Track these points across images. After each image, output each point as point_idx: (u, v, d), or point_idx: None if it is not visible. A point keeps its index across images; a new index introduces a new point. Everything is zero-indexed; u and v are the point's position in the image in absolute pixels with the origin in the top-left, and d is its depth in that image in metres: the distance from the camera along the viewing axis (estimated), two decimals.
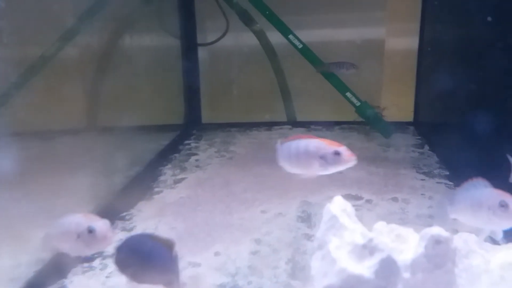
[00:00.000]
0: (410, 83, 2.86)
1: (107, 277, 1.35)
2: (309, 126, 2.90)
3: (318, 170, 1.09)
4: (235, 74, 3.06)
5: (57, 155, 1.49)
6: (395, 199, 1.83)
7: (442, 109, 2.38)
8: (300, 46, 2.60)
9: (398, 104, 2.79)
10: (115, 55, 1.94)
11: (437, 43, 2.53)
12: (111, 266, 1.38)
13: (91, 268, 1.39)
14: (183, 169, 2.25)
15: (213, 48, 2.98)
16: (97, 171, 1.74)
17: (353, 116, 2.65)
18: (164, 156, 2.41)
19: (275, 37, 2.76)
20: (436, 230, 0.88)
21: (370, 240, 0.88)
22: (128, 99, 2.05)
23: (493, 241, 1.08)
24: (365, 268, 0.86)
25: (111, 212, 1.66)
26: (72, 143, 1.59)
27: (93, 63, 1.80)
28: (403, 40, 2.91)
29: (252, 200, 1.85)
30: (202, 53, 3.05)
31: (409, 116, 2.91)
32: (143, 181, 2.06)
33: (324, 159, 1.06)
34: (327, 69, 2.56)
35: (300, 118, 3.00)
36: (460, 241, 0.99)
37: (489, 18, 1.68)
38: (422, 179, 2.03)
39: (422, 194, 1.87)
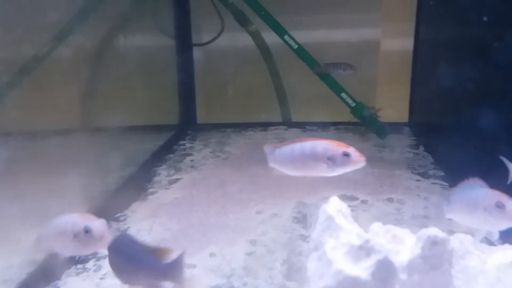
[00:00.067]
0: (405, 84, 2.86)
1: (101, 278, 1.33)
2: (304, 127, 2.90)
3: (325, 172, 1.06)
4: (230, 75, 3.05)
5: (50, 156, 1.47)
6: (390, 200, 1.83)
7: (437, 110, 2.39)
8: (296, 46, 2.59)
9: (393, 104, 2.79)
10: (109, 54, 1.92)
11: (432, 43, 2.54)
12: (105, 267, 1.37)
13: (85, 270, 1.38)
14: (178, 170, 2.24)
15: (208, 48, 2.97)
16: (91, 172, 1.73)
17: (348, 117, 2.65)
18: (159, 156, 2.40)
19: (270, 37, 2.75)
20: (433, 231, 0.88)
21: (367, 241, 0.87)
22: (122, 99, 2.04)
23: (488, 242, 1.08)
24: (362, 270, 0.85)
25: (105, 213, 1.65)
26: (65, 143, 1.57)
27: (86, 62, 1.79)
28: (398, 41, 2.91)
29: (247, 201, 1.85)
30: (197, 53, 3.04)
31: (404, 117, 2.91)
32: (137, 182, 2.05)
33: (332, 160, 1.04)
34: (323, 69, 2.56)
35: (295, 118, 3.00)
36: (456, 242, 0.99)
37: (484, 18, 1.68)
38: (417, 180, 2.03)
39: (417, 195, 1.87)
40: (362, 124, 2.65)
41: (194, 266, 1.38)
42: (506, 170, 1.31)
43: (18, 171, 1.27)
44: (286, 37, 2.59)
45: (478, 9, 1.78)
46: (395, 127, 2.78)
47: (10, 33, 1.28)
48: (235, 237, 1.56)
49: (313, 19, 2.89)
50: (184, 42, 2.96)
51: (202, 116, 3.10)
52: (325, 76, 2.60)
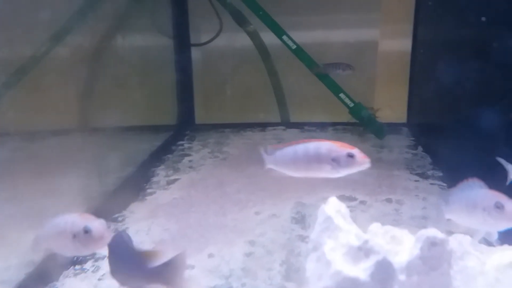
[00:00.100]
0: (403, 84, 2.86)
1: (99, 279, 1.33)
2: (302, 127, 2.89)
3: (329, 173, 1.05)
4: (228, 75, 3.05)
5: (48, 156, 1.47)
6: (389, 200, 1.83)
7: (436, 110, 2.39)
8: (294, 47, 2.59)
9: (391, 105, 2.79)
10: (107, 55, 1.92)
11: (430, 44, 2.54)
12: (104, 268, 1.37)
13: (83, 271, 1.38)
14: (176, 170, 2.23)
15: (207, 48, 2.97)
16: (89, 172, 1.72)
17: (346, 117, 2.65)
18: (157, 156, 2.39)
19: (268, 37, 2.75)
20: (432, 232, 0.88)
21: (366, 242, 0.87)
22: (120, 99, 2.04)
23: (487, 242, 1.08)
24: (361, 271, 0.85)
25: (103, 213, 1.64)
26: (63, 143, 1.57)
27: (84, 63, 1.78)
28: (396, 41, 2.91)
29: (245, 201, 1.84)
30: (195, 53, 3.03)
31: (402, 117, 2.91)
32: (135, 182, 2.04)
33: (336, 161, 1.03)
34: (321, 70, 2.56)
35: (294, 119, 3.00)
36: (455, 242, 0.99)
37: (483, 19, 1.68)
38: (415, 180, 2.03)
39: (416, 195, 1.87)
40: (360, 125, 2.65)
41: (192, 267, 1.38)
42: (505, 170, 1.31)
43: (16, 172, 1.27)
44: (284, 37, 2.59)
45: (476, 9, 1.78)
46: (394, 127, 2.78)
47: (7, 32, 1.28)
48: (234, 238, 1.55)
49: (312, 19, 2.89)
50: (182, 42, 2.95)
51: (200, 116, 3.10)
52: (323, 77, 2.60)
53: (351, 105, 2.59)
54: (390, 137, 2.62)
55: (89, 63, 1.82)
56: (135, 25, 2.25)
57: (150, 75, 2.47)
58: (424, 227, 1.55)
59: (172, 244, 1.53)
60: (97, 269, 1.38)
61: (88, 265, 1.40)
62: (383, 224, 1.02)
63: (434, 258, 0.86)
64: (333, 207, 1.00)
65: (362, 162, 1.03)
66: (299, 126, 2.91)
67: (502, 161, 1.27)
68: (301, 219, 1.68)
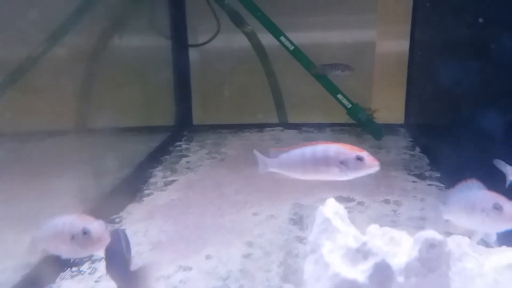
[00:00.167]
0: (401, 85, 2.87)
1: (96, 281, 1.32)
2: (300, 128, 2.89)
3: (337, 176, 1.03)
4: (226, 76, 3.05)
5: (45, 157, 1.46)
6: (386, 201, 1.83)
7: (433, 111, 2.39)
8: (292, 48, 2.59)
9: (389, 106, 2.79)
10: (104, 55, 1.91)
11: (428, 45, 2.54)
12: (101, 270, 1.36)
13: (80, 272, 1.37)
14: (174, 171, 2.23)
15: (204, 49, 2.97)
16: (86, 173, 1.72)
17: (344, 118, 2.65)
18: (155, 158, 2.38)
19: (266, 38, 2.74)
20: (430, 233, 0.87)
21: (364, 244, 0.87)
22: (118, 100, 2.03)
23: (486, 244, 1.08)
24: (359, 273, 0.84)
25: (100, 214, 1.63)
26: (59, 144, 1.56)
27: (82, 63, 1.78)
28: (394, 42, 2.92)
29: (243, 202, 1.84)
30: (193, 54, 3.03)
31: (400, 118, 2.92)
32: (133, 183, 2.04)
33: (345, 164, 1.01)
34: (319, 70, 2.56)
35: (291, 120, 2.99)
36: (453, 244, 0.99)
37: (480, 20, 1.68)
38: (413, 181, 2.03)
39: (413, 196, 1.87)
40: (358, 126, 2.65)
41: (190, 269, 1.37)
42: (503, 171, 1.31)
43: (12, 173, 1.26)
44: (282, 38, 2.59)
45: (473, 10, 1.78)
46: (391, 128, 2.79)
47: (3, 33, 1.27)
48: (232, 239, 1.55)
49: (309, 20, 2.89)
50: (180, 42, 2.95)
51: (198, 117, 3.09)
52: (321, 78, 2.59)
53: (349, 106, 2.59)
54: (387, 138, 2.63)
55: (86, 63, 1.81)
56: (133, 25, 2.25)
57: (148, 75, 2.46)
58: (422, 228, 1.56)
59: (169, 245, 1.52)
60: (94, 271, 1.37)
61: (85, 267, 1.39)
62: (381, 225, 1.02)
63: (432, 260, 0.86)
64: (331, 208, 0.99)
65: (371, 165, 1.01)
66: (297, 127, 2.91)
67: (501, 163, 1.27)
68: (299, 220, 1.68)
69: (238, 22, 2.77)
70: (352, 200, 1.83)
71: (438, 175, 2.10)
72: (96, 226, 0.99)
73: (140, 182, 2.08)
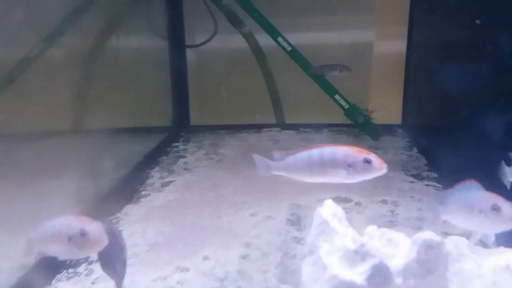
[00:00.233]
0: (398, 86, 2.87)
1: (92, 283, 1.32)
2: (298, 129, 2.89)
3: (344, 179, 1.03)
4: (224, 76, 3.05)
5: (42, 158, 1.45)
6: (384, 202, 1.82)
7: (431, 112, 2.40)
8: (289, 48, 2.59)
9: (386, 106, 2.79)
10: (101, 56, 1.91)
11: (425, 46, 2.54)
12: (97, 271, 1.35)
13: (76, 274, 1.36)
14: (171, 172, 2.22)
15: (202, 50, 2.96)
16: (83, 174, 1.71)
17: (342, 119, 2.65)
18: (152, 158, 2.38)
19: (264, 39, 2.74)
20: (428, 234, 0.87)
21: (362, 245, 0.86)
22: (115, 101, 2.02)
23: (484, 244, 1.08)
24: (357, 274, 0.84)
25: (97, 216, 1.62)
26: (56, 145, 1.55)
27: (79, 64, 1.77)
28: (391, 43, 2.92)
29: (241, 203, 1.83)
30: (190, 54, 3.02)
31: (397, 119, 2.92)
32: (130, 184, 2.03)
33: (352, 167, 1.01)
34: (317, 71, 2.55)
35: (289, 120, 2.99)
36: (451, 244, 0.99)
37: (477, 21, 1.69)
38: (411, 182, 2.03)
39: (411, 197, 1.87)
40: (355, 126, 2.65)
41: (187, 270, 1.37)
42: (500, 171, 1.31)
43: (8, 174, 1.25)
44: (279, 39, 2.59)
45: (470, 11, 1.78)
46: (389, 129, 2.79)
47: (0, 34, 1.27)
48: (229, 240, 1.54)
49: (307, 21, 2.89)
50: (178, 43, 2.94)
51: (195, 118, 3.09)
52: (318, 78, 2.59)
53: (346, 106, 2.59)
54: (385, 138, 2.63)
55: (83, 64, 1.81)
56: (130, 26, 2.24)
57: (145, 76, 2.45)
58: (420, 228, 1.56)
59: (166, 246, 1.52)
60: (90, 272, 1.36)
61: (82, 268, 1.38)
62: (378, 225, 1.02)
63: (430, 261, 0.86)
64: (329, 210, 0.99)
65: (379, 167, 1.01)
66: (295, 127, 2.91)
67: (502, 164, 1.27)
68: (297, 221, 1.68)
69: (236, 22, 2.77)
70: (350, 200, 1.83)
71: (436, 175, 2.10)
72: (93, 227, 0.98)
73: (137, 183, 2.07)
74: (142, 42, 2.50)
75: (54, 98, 1.57)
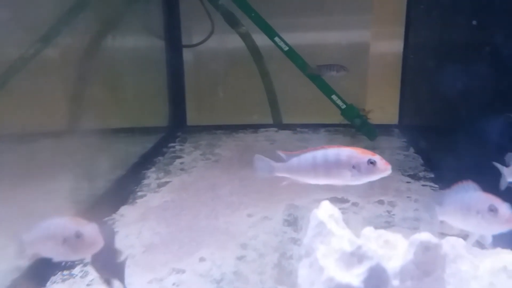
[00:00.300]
0: (395, 86, 2.87)
1: (88, 285, 1.31)
2: (295, 129, 2.89)
3: (349, 180, 1.02)
4: (220, 76, 3.04)
5: (37, 158, 1.44)
6: (381, 202, 1.82)
7: (427, 112, 2.40)
8: (286, 48, 2.58)
9: (383, 106, 2.80)
10: (98, 56, 1.89)
11: (422, 46, 2.54)
12: (92, 273, 1.34)
13: (71, 276, 1.35)
14: (168, 173, 2.21)
15: (198, 49, 2.95)
16: (78, 175, 1.70)
17: (338, 119, 2.65)
18: (148, 159, 2.37)
19: (260, 39, 2.74)
20: (425, 236, 0.87)
21: (359, 247, 0.86)
22: (111, 101, 2.01)
23: (481, 245, 1.07)
24: (354, 277, 0.84)
25: (93, 217, 1.61)
26: (52, 146, 1.54)
27: (74, 64, 1.76)
28: (388, 44, 2.92)
29: (237, 204, 1.83)
30: (187, 54, 3.02)
31: (394, 119, 2.92)
32: (126, 185, 2.02)
33: (357, 168, 1.00)
34: (314, 71, 2.55)
35: (286, 120, 2.99)
36: (448, 245, 0.98)
37: (474, 22, 1.69)
38: (407, 182, 2.03)
39: (408, 197, 1.87)
40: (352, 126, 2.65)
41: (183, 271, 1.36)
42: (497, 172, 1.31)
43: (3, 174, 1.24)
44: (276, 39, 2.58)
45: (467, 12, 1.78)
46: (385, 129, 2.79)
47: None
48: (226, 241, 1.54)
49: (303, 21, 2.89)
50: (174, 43, 2.93)
51: (192, 118, 3.08)
52: (315, 78, 2.59)
53: (343, 106, 2.59)
54: (381, 138, 2.63)
55: (80, 64, 1.80)
56: (127, 26, 2.23)
57: (141, 76, 2.44)
58: (417, 228, 1.56)
59: (163, 247, 1.51)
60: (85, 274, 1.35)
61: (77, 270, 1.37)
62: (375, 226, 1.02)
63: (427, 263, 0.85)
64: (326, 211, 0.98)
65: (384, 169, 1.00)
66: (292, 127, 2.91)
67: (497, 165, 1.26)
68: (293, 222, 1.67)
69: (232, 22, 2.76)
70: (347, 201, 1.82)
71: (432, 175, 2.10)
72: (89, 229, 0.97)
73: (133, 183, 2.06)
74: (139, 42, 2.49)
75: (49, 99, 1.56)
